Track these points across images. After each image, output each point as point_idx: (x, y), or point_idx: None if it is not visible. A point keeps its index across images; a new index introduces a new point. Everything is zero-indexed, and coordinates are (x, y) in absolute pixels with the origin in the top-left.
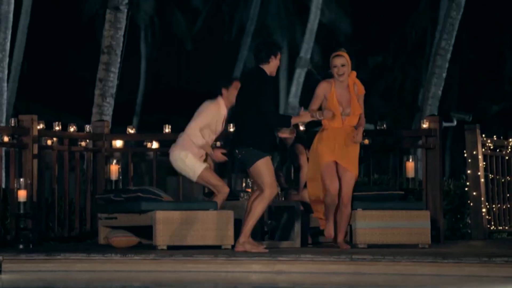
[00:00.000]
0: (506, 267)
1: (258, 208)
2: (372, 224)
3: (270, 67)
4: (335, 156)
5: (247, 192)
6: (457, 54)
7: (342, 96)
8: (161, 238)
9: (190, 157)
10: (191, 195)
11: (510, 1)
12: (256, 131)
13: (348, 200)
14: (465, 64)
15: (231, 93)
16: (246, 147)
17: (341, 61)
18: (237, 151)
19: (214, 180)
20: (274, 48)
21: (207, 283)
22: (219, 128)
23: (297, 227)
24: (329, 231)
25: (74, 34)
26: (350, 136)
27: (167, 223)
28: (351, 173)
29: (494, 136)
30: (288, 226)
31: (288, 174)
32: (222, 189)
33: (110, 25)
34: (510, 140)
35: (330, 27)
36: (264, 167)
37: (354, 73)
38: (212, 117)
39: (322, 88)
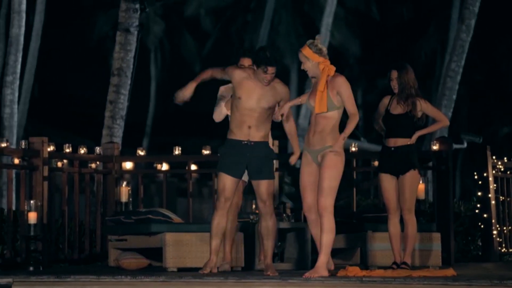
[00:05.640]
0: None
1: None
2: (383, 246)
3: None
4: None
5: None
6: (466, 76)
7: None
8: (171, 260)
9: None
10: (201, 217)
11: None
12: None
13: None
14: (474, 86)
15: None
16: None
17: None
18: None
19: None
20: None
21: None
22: None
23: (307, 249)
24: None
25: (84, 57)
26: None
27: (177, 245)
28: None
29: (505, 158)
30: (297, 248)
31: None
32: None
33: (120, 47)
34: None
35: (339, 49)
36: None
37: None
38: None
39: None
